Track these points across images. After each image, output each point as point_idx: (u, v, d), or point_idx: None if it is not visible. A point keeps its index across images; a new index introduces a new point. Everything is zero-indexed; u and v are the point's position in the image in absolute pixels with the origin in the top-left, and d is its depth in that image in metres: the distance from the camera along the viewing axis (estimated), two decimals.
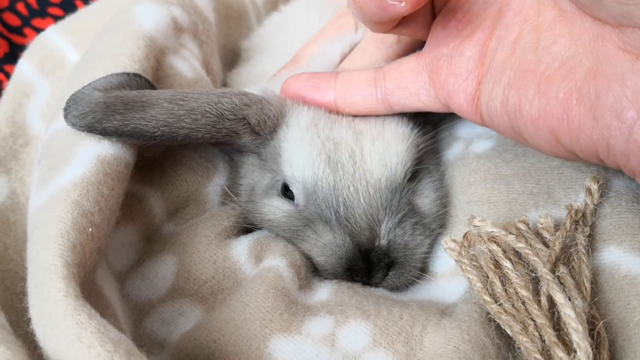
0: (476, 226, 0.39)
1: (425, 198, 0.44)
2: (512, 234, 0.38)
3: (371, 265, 0.41)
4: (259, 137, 0.43)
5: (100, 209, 0.35)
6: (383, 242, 0.42)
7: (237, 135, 0.42)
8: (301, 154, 0.42)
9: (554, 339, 0.32)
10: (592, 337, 0.33)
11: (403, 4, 0.35)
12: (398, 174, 0.42)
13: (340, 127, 0.44)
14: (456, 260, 0.39)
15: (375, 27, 0.41)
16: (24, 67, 0.53)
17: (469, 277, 0.37)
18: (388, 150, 0.43)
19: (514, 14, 0.36)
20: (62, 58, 0.54)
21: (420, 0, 0.34)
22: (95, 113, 0.37)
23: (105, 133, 0.38)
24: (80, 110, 0.38)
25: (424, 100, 0.43)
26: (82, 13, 0.57)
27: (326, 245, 0.42)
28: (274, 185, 0.44)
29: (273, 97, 0.45)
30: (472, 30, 0.39)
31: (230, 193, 0.47)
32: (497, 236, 0.38)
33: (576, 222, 0.39)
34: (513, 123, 0.35)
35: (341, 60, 0.54)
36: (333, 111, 0.46)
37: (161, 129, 0.38)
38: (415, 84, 0.43)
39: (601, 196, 0.40)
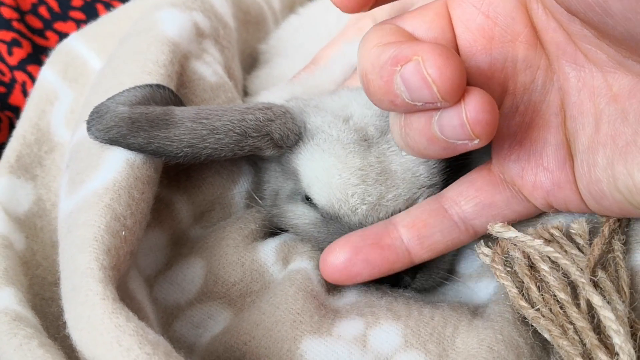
0: (498, 232, 0.38)
1: None
2: (545, 239, 0.37)
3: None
4: (280, 150, 0.43)
5: (132, 213, 0.35)
6: None
7: (259, 151, 0.42)
8: (321, 186, 0.41)
9: (596, 341, 0.31)
10: (635, 341, 0.32)
11: (477, 141, 0.31)
12: (429, 191, 0.42)
13: (366, 155, 0.41)
14: (489, 266, 0.39)
15: (430, 158, 0.39)
16: (46, 74, 0.54)
17: (503, 283, 0.37)
18: (419, 171, 0.41)
19: (578, 90, 0.33)
20: (85, 65, 0.54)
21: (494, 130, 0.31)
22: (120, 128, 0.37)
23: (128, 148, 0.38)
24: (104, 124, 0.38)
25: (518, 209, 0.38)
26: (104, 20, 0.57)
27: None
28: (297, 192, 0.44)
29: (296, 110, 0.44)
30: (543, 117, 0.35)
31: (255, 196, 0.47)
32: (523, 241, 0.37)
33: (613, 230, 0.38)
34: (630, 199, 0.32)
35: None
36: (406, 262, 0.39)
37: (184, 149, 0.38)
38: (501, 195, 0.38)
39: None
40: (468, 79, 0.34)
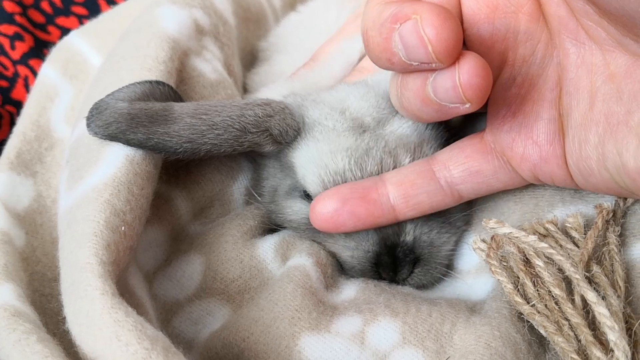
0: (492, 228, 0.38)
1: None
2: (541, 234, 0.37)
3: (397, 261, 0.41)
4: (280, 146, 0.43)
5: (132, 208, 0.35)
6: (409, 238, 0.41)
7: (258, 147, 0.42)
8: (313, 168, 0.42)
9: (591, 338, 0.31)
10: (630, 337, 0.32)
11: (468, 105, 0.32)
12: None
13: (359, 137, 0.42)
14: (485, 261, 0.39)
15: (423, 122, 0.40)
16: (47, 71, 0.54)
17: (499, 279, 0.37)
18: (410, 137, 0.42)
19: (577, 67, 0.34)
20: (85, 62, 0.54)
21: (486, 96, 0.32)
22: (120, 124, 0.38)
23: (128, 144, 0.38)
24: (104, 120, 0.38)
25: (504, 179, 0.39)
26: (104, 17, 0.57)
27: (351, 238, 0.42)
28: (295, 187, 0.44)
29: (295, 105, 0.45)
30: (539, 91, 0.36)
31: (254, 193, 0.47)
32: (517, 237, 0.37)
33: (607, 221, 0.38)
34: (617, 179, 0.33)
35: (360, 59, 0.54)
36: (390, 218, 0.40)
37: (184, 145, 0.39)
38: (489, 164, 0.39)
39: None
40: (469, 46, 0.35)
